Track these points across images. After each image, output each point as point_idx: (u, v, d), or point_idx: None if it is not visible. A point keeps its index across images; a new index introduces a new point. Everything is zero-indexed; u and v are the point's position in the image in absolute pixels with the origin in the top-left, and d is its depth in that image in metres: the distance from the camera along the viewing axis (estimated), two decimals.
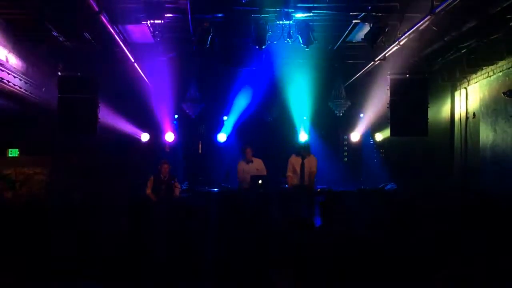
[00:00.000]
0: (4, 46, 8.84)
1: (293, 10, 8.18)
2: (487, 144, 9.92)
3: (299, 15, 8.32)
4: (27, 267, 3.20)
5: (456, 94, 11.30)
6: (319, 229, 5.28)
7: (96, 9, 7.31)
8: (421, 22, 7.93)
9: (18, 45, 9.40)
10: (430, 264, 4.07)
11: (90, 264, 4.01)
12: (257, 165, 11.88)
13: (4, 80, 8.81)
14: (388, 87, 10.50)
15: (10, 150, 11.20)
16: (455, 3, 7.09)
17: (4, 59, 8.78)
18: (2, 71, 8.73)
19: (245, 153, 11.98)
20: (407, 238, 4.49)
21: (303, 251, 4.38)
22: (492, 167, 9.73)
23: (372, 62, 10.70)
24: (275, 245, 4.59)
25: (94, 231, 4.78)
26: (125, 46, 9.41)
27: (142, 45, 9.60)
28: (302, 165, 11.55)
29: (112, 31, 8.38)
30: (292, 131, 15.10)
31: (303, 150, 11.67)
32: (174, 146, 14.95)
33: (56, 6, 8.03)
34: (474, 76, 10.44)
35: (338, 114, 13.09)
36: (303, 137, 15.10)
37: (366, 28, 8.59)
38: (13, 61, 9.12)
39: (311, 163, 11.64)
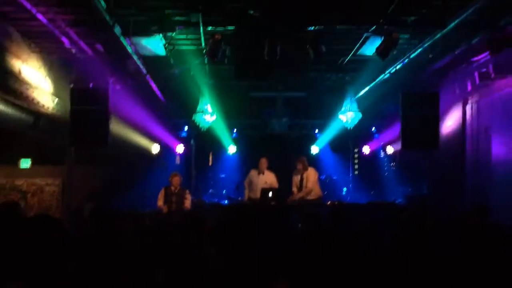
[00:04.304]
0: (18, 57, 8.91)
1: (303, 23, 8.21)
2: (499, 160, 9.83)
3: (310, 28, 8.34)
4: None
5: (468, 108, 11.24)
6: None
7: (109, 22, 7.38)
8: (433, 36, 7.95)
9: (31, 57, 9.48)
10: None
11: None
12: (267, 178, 11.88)
13: (18, 92, 8.87)
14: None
15: (22, 160, 11.26)
16: (466, 17, 7.12)
17: (17, 70, 8.84)
18: (16, 82, 8.79)
19: (260, 162, 11.98)
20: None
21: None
22: (505, 184, 9.63)
23: (383, 75, 10.69)
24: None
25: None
26: (137, 58, 9.48)
27: (154, 57, 9.65)
28: (301, 181, 11.64)
29: (125, 43, 8.46)
30: (303, 143, 15.12)
31: (298, 165, 11.74)
32: (185, 157, 14.99)
33: (70, 19, 8.12)
34: (486, 89, 10.39)
35: (349, 127, 13.07)
36: (314, 150, 15.13)
37: (378, 41, 8.58)
38: (27, 72, 9.18)
39: (309, 177, 11.69)
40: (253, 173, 12.14)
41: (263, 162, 11.99)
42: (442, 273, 4.32)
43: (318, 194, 11.91)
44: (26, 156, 11.23)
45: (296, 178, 11.84)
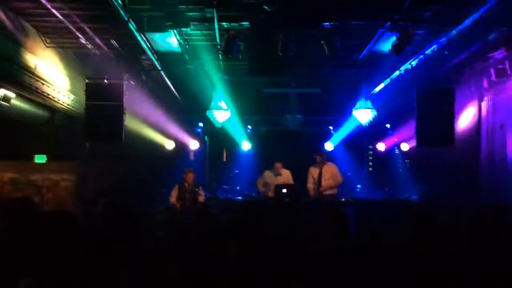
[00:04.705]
0: (34, 53, 8.97)
1: (318, 19, 8.17)
2: None
3: (325, 24, 8.30)
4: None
5: (483, 105, 11.14)
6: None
7: (125, 17, 7.40)
8: (448, 32, 7.89)
9: (47, 53, 9.54)
10: None
11: None
12: (284, 178, 11.87)
13: (33, 87, 8.92)
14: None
15: (37, 156, 11.32)
16: (482, 13, 7.06)
17: (33, 66, 8.90)
18: (31, 78, 8.85)
19: (274, 167, 11.99)
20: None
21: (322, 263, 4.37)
22: None
23: (398, 72, 10.63)
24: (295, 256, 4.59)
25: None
26: (151, 54, 9.49)
27: (168, 53, 9.66)
28: (320, 174, 11.55)
29: (140, 39, 8.47)
30: (317, 140, 15.08)
31: (317, 157, 11.67)
32: (199, 154, 15.00)
33: (85, 14, 8.16)
34: (502, 86, 10.29)
35: (363, 124, 12.99)
36: (328, 146, 15.08)
37: (393, 37, 8.53)
38: (42, 68, 9.24)
39: (331, 172, 11.61)
40: (268, 174, 12.14)
41: (278, 166, 12.00)
42: (453, 272, 4.29)
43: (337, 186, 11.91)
44: (41, 152, 11.29)
45: (315, 172, 11.75)
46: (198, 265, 4.29)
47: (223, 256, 4.48)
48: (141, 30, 8.21)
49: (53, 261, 3.22)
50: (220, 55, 10.13)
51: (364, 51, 10.06)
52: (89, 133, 9.90)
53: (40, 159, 11.35)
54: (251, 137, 15.44)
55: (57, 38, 9.51)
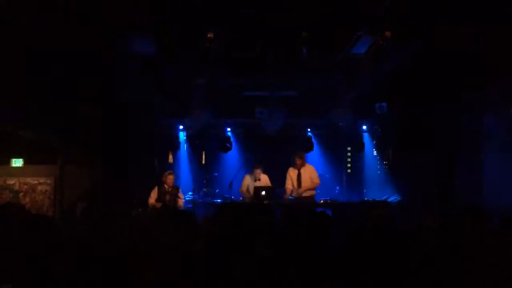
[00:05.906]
0: None
1: (296, 22, 8.21)
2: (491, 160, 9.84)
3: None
4: None
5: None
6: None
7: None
8: None
9: None
10: None
11: None
12: (263, 183, 11.87)
13: None
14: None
15: (14, 160, 11.21)
16: None
17: None
18: None
19: (255, 172, 11.97)
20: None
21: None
22: (496, 184, 9.64)
23: (376, 74, 10.69)
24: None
25: None
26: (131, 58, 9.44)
27: (147, 56, 9.62)
28: (299, 176, 11.55)
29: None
30: (296, 142, 15.10)
31: (297, 160, 11.66)
32: (177, 156, 14.93)
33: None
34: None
35: (341, 125, 13.05)
36: (307, 148, 15.10)
37: (370, 40, 8.59)
38: None
39: (310, 173, 11.62)
40: (247, 179, 12.15)
41: (258, 172, 12.00)
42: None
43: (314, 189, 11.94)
44: (18, 156, 11.19)
45: (293, 173, 11.73)
46: (175, 268, 4.29)
47: (201, 258, 4.48)
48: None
49: (31, 267, 3.20)
50: (198, 58, 10.11)
51: (342, 54, 10.11)
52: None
53: (17, 162, 11.24)
54: (230, 139, 15.41)
55: None
